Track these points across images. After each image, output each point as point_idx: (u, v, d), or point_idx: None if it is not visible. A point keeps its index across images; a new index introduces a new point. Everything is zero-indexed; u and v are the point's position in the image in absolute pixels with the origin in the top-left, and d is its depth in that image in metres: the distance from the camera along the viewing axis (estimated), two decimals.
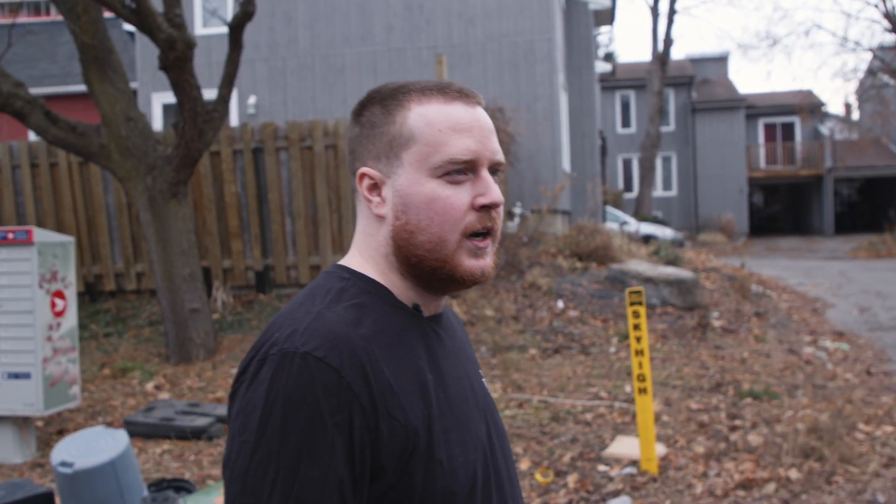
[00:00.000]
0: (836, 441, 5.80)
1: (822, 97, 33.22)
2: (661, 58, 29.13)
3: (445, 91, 1.28)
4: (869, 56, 26.19)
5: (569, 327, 8.94)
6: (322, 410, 1.11)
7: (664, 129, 33.30)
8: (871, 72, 28.00)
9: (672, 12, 29.63)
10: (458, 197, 1.24)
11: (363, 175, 1.29)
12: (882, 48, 25.58)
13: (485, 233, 1.27)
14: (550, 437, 5.96)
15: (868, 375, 8.02)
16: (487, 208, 1.25)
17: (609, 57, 41.76)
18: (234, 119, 15.46)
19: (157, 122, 15.53)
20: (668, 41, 29.62)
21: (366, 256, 1.30)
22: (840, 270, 16.66)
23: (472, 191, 1.25)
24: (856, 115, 38.16)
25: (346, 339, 1.15)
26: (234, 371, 8.12)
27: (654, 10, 30.11)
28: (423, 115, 1.26)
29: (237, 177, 9.97)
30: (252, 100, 15.36)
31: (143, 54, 15.43)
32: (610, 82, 33.30)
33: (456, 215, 1.24)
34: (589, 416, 6.45)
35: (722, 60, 34.09)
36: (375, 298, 1.25)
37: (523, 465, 5.41)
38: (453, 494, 1.19)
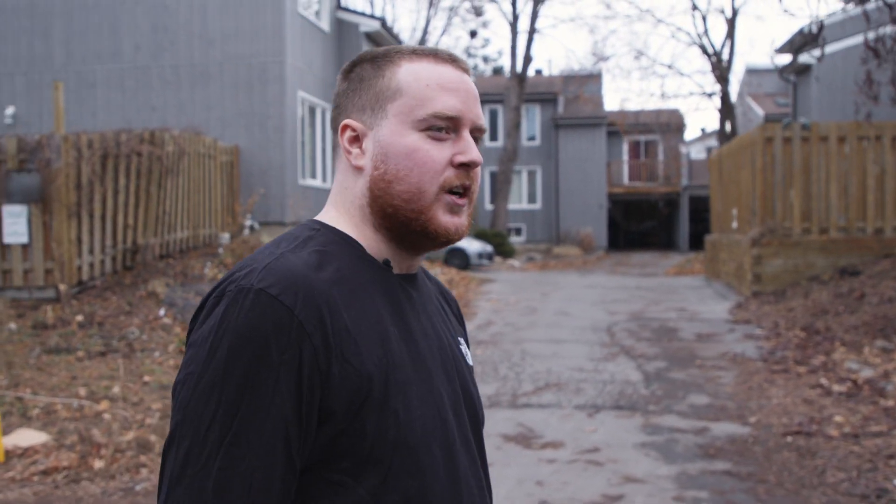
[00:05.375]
0: None
1: (688, 116, 34.13)
2: (519, 75, 30.04)
3: (437, 53, 1.32)
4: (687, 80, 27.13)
5: (144, 334, 9.75)
6: (270, 347, 1.10)
7: (531, 143, 34.25)
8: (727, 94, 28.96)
9: (532, 31, 30.54)
10: (439, 151, 1.26)
11: (345, 127, 1.31)
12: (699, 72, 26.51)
13: (462, 191, 1.29)
14: None
15: None
16: (466, 167, 1.28)
17: (498, 71, 42.77)
18: None
19: None
20: (528, 58, 30.54)
21: (341, 210, 1.32)
22: (559, 287, 17.52)
23: (453, 149, 1.27)
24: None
25: (305, 279, 1.15)
26: None
27: (514, 28, 31.05)
28: (412, 71, 1.29)
29: None
30: (10, 110, 16.15)
31: None
32: (480, 97, 34.20)
33: (435, 167, 1.25)
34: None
35: (595, 77, 35.01)
36: (343, 248, 1.26)
37: None
38: (408, 446, 1.18)
